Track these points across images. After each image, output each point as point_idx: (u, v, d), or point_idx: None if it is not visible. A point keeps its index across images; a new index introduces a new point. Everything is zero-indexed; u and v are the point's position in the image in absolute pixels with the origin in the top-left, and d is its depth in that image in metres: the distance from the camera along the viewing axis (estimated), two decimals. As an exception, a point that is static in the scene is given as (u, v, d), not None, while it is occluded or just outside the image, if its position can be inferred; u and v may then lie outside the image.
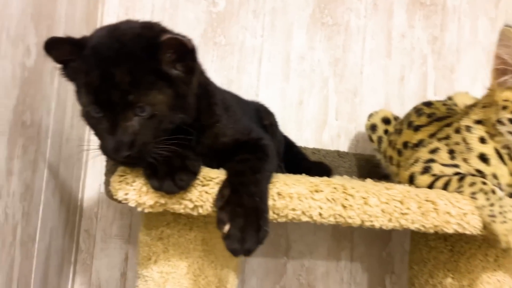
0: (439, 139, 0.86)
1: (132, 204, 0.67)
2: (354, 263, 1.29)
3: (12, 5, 0.67)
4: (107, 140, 0.61)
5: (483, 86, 1.41)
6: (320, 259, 1.28)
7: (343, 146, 1.32)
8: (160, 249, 0.82)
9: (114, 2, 1.21)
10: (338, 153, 1.26)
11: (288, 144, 1.16)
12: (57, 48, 0.64)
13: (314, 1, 1.32)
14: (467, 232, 0.76)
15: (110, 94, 0.60)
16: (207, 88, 0.72)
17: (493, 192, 0.76)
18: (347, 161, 1.26)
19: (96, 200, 1.18)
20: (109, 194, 0.70)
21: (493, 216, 0.75)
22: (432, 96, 1.36)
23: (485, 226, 0.76)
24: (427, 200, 0.74)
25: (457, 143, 0.84)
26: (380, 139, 1.12)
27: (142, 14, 1.22)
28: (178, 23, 1.24)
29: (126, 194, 0.66)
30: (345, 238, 1.29)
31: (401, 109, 1.27)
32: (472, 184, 0.77)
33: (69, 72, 0.66)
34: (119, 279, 1.17)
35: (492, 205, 0.74)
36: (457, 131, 0.85)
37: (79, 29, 0.97)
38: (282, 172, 1.00)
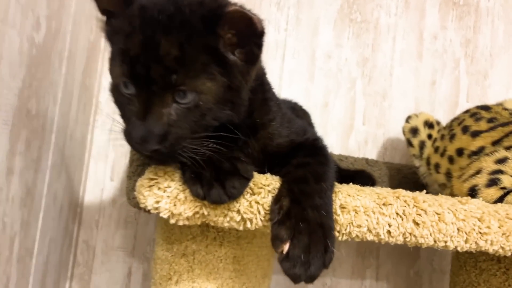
0: (507, 148, 0.75)
1: (164, 214, 0.54)
2: (380, 282, 1.18)
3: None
4: (135, 127, 0.48)
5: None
6: (344, 278, 1.16)
7: (370, 153, 1.21)
8: (183, 267, 0.69)
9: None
10: (367, 161, 1.15)
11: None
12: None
13: (343, -5, 1.22)
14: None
15: (149, 68, 0.47)
16: (263, 80, 0.60)
17: None
18: (377, 170, 1.15)
19: (97, 206, 1.04)
20: (133, 201, 0.57)
21: None
22: (464, 102, 1.27)
23: None
24: (508, 218, 0.63)
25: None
26: (422, 144, 1.00)
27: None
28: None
29: (158, 202, 0.53)
30: (371, 255, 1.17)
31: (431, 115, 1.17)
32: None
33: (109, 30, 0.53)
34: (121, 297, 1.03)
35: None
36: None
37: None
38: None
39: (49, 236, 0.76)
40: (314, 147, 0.61)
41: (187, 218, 0.54)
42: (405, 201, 0.60)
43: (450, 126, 0.95)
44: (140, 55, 0.48)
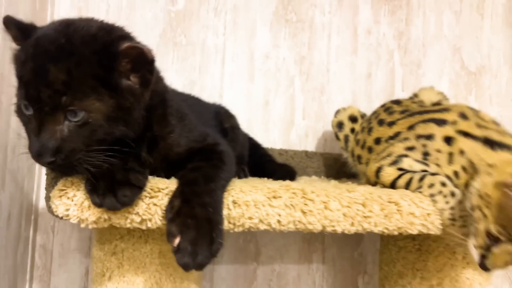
0: (418, 136, 0.83)
1: (74, 220, 0.61)
2: (326, 265, 1.27)
3: None
4: (33, 142, 0.56)
5: (449, 80, 1.41)
6: (291, 263, 1.24)
7: (311, 145, 1.29)
8: (114, 264, 0.77)
9: (65, 2, 1.15)
10: (306, 154, 1.23)
11: (254, 146, 1.12)
12: (9, 29, 0.61)
13: (277, -2, 1.29)
14: (432, 232, 0.74)
15: (40, 91, 0.55)
16: (164, 97, 0.68)
17: (453, 194, 0.74)
18: (315, 161, 1.23)
19: (53, 212, 1.11)
20: (50, 210, 0.65)
21: (453, 219, 0.73)
22: (400, 92, 1.35)
23: (445, 228, 0.74)
24: (390, 202, 0.71)
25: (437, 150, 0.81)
26: (346, 138, 1.09)
27: (97, 14, 1.16)
28: (136, 23, 1.18)
29: (67, 210, 0.61)
30: (316, 240, 1.26)
31: (368, 106, 1.25)
32: (431, 185, 0.74)
33: (13, 59, 0.61)
34: (80, 295, 1.11)
35: (452, 208, 0.72)
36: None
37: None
38: (246, 176, 0.96)
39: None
40: (212, 152, 0.68)
41: (94, 222, 0.62)
42: (293, 193, 0.68)
43: (369, 120, 1.03)
44: (32, 80, 0.56)
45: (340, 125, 1.11)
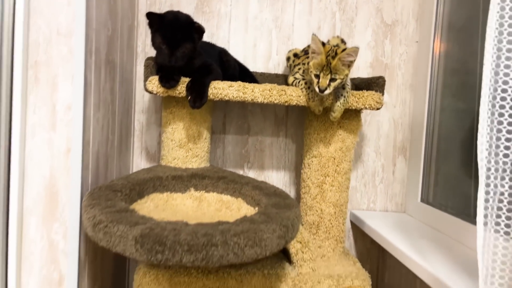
0: (303, 63, 1.77)
1: (154, 91, 1.65)
2: (288, 138, 2.25)
3: None
4: (166, 57, 1.54)
5: (372, 30, 2.24)
6: (268, 136, 2.24)
7: (280, 70, 2.23)
8: (170, 118, 1.82)
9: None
10: (276, 75, 2.18)
11: (243, 70, 2.09)
12: (151, 17, 1.59)
13: (263, -18, 2.17)
14: (302, 103, 1.69)
15: (173, 37, 1.53)
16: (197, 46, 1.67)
17: (309, 87, 1.67)
18: (281, 79, 2.18)
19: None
20: (145, 88, 1.69)
21: (309, 99, 1.67)
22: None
23: (307, 103, 1.69)
24: (283, 90, 1.67)
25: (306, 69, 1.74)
26: (290, 66, 2.02)
27: (161, -3, 2.14)
28: (180, 1, 2.15)
29: (152, 87, 1.65)
30: (282, 124, 2.24)
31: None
32: (302, 86, 1.67)
33: (153, 27, 1.59)
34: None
35: (309, 94, 1.65)
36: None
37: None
38: (233, 83, 1.95)
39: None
40: (208, 67, 1.67)
41: (161, 92, 1.66)
42: (243, 86, 1.66)
43: (298, 56, 1.96)
44: (169, 34, 1.53)
45: (288, 59, 2.03)
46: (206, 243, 1.10)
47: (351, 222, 2.29)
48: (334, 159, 1.85)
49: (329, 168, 1.85)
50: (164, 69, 1.61)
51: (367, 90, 1.80)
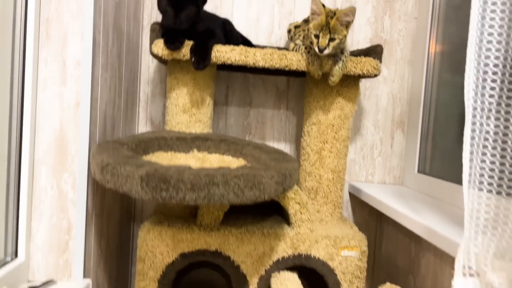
0: (303, 30, 1.83)
1: (159, 54, 1.72)
2: (289, 111, 2.31)
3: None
4: (171, 20, 1.62)
5: (372, 5, 2.29)
6: (269, 108, 2.31)
7: (282, 44, 2.29)
8: (175, 83, 1.88)
9: (151, -34, 2.21)
10: (278, 48, 2.24)
11: (246, 42, 2.15)
12: None
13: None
14: (302, 68, 1.75)
15: (178, 1, 1.61)
16: (201, 12, 1.73)
17: (311, 53, 1.73)
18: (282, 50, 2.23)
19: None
20: (151, 51, 1.75)
21: (308, 64, 1.73)
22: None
23: (307, 68, 1.75)
24: (283, 54, 1.73)
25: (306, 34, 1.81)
26: (292, 38, 2.08)
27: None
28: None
29: (157, 50, 1.71)
30: (284, 96, 2.30)
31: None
32: (302, 51, 1.74)
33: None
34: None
35: (309, 58, 1.71)
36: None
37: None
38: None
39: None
40: (210, 32, 1.74)
41: (166, 55, 1.73)
42: (244, 50, 1.72)
43: (299, 26, 2.02)
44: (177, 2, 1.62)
45: (289, 31, 2.10)
46: (208, 182, 1.17)
47: (350, 194, 2.35)
48: (333, 126, 1.90)
49: (328, 135, 1.91)
50: (169, 32, 1.67)
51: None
